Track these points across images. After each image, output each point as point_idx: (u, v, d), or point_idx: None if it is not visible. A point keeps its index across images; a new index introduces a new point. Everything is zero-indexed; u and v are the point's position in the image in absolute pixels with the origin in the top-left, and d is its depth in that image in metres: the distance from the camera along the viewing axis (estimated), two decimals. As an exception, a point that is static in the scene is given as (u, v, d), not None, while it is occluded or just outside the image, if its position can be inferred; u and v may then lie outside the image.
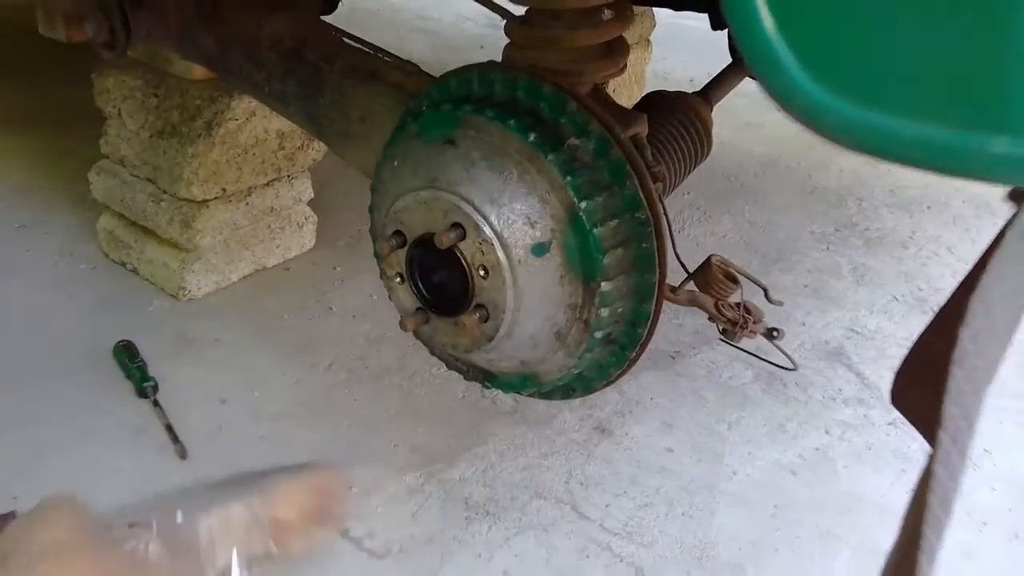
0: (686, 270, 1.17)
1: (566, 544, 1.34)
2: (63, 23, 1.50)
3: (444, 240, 0.98)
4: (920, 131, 0.54)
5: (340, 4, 1.59)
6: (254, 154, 1.78)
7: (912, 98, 0.54)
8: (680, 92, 1.37)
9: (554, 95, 1.00)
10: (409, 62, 1.28)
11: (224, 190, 1.76)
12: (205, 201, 1.74)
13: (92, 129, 1.94)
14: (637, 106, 1.32)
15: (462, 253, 1.00)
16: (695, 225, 2.32)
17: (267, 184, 1.85)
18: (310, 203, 1.99)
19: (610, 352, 1.08)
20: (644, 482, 1.48)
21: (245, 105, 1.71)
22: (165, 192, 1.76)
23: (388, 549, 1.30)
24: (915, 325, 1.97)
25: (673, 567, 1.32)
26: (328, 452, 1.48)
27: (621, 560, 1.32)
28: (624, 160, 0.99)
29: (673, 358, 1.80)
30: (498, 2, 1.20)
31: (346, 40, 1.33)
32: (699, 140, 1.33)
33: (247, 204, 1.82)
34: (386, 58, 1.29)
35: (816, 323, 1.95)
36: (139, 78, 1.75)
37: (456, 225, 0.99)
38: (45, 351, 1.65)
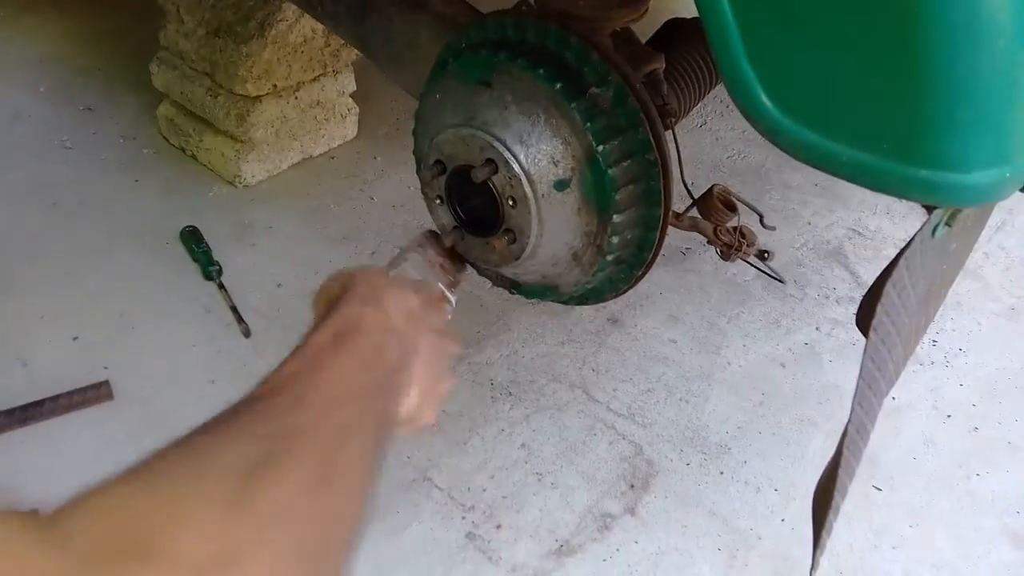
0: (692, 196, 1.33)
1: (576, 423, 1.55)
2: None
3: (479, 175, 1.14)
4: (854, 156, 0.69)
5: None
6: (302, 52, 1.91)
7: (850, 130, 0.69)
8: (696, 19, 1.48)
9: (579, 46, 1.14)
10: (451, -9, 1.40)
11: (275, 86, 1.90)
12: (258, 96, 1.89)
13: (146, 6, 2.07)
14: (657, 33, 1.44)
15: (494, 185, 1.16)
16: (718, 119, 2.43)
17: (314, 79, 1.99)
18: (352, 95, 2.13)
19: (620, 270, 1.25)
20: (648, 370, 1.68)
21: (294, 7, 1.83)
22: (221, 87, 1.90)
23: (424, 422, 1.52)
24: (912, 226, 2.11)
25: (668, 445, 1.53)
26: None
27: (623, 438, 1.54)
28: (638, 108, 1.13)
29: (684, 254, 1.97)
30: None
31: (393, -34, 1.44)
32: (713, 66, 1.45)
33: (296, 98, 1.97)
34: (430, -14, 1.40)
35: (821, 222, 2.10)
36: (196, -22, 1.87)
37: (489, 161, 1.15)
38: (119, 233, 1.84)
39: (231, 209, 1.94)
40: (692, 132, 2.36)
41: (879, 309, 0.72)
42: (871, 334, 0.74)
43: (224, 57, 1.85)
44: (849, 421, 0.78)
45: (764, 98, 0.71)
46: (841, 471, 0.79)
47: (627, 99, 1.13)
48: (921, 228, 0.72)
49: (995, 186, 0.67)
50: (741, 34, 0.70)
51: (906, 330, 0.78)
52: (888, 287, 0.71)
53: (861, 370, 0.76)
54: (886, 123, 0.67)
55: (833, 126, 0.69)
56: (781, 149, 0.73)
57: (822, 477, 0.85)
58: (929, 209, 0.71)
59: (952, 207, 0.71)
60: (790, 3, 0.68)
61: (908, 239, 0.83)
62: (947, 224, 0.72)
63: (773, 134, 0.72)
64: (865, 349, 0.75)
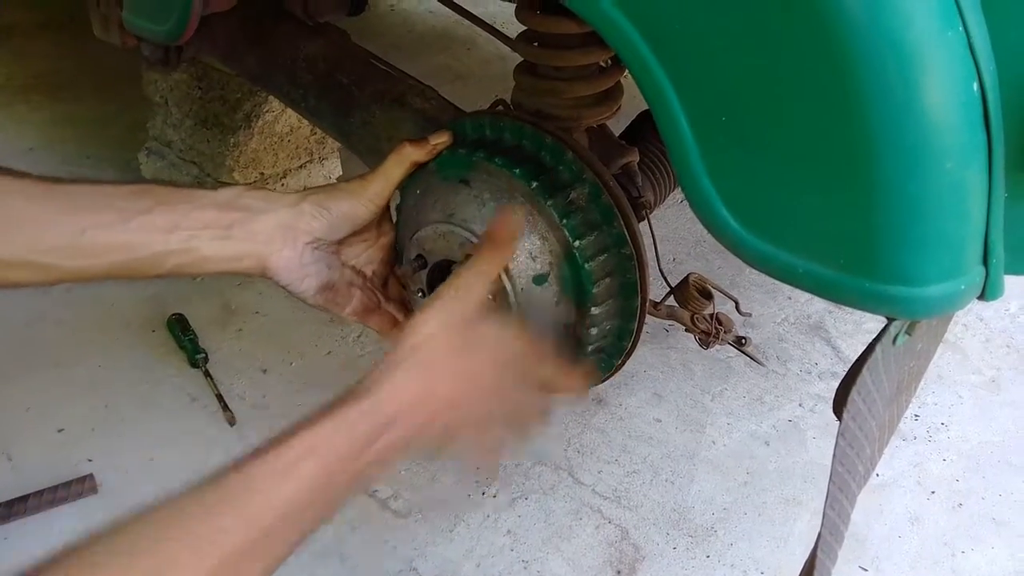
0: (668, 284, 1.35)
1: (562, 507, 1.56)
2: (119, 31, 1.65)
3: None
4: (812, 269, 0.72)
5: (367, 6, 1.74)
6: (289, 141, 1.95)
7: (808, 244, 0.72)
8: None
9: (554, 145, 1.17)
10: (430, 87, 1.44)
11: (262, 174, 1.94)
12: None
13: (133, 90, 2.12)
14: (631, 126, 1.48)
15: (474, 280, 1.18)
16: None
17: (300, 166, 2.03)
18: (338, 179, 2.16)
19: (599, 360, 1.27)
20: (633, 450, 1.68)
21: (280, 98, 1.87)
22: (209, 176, 1.94)
23: (410, 509, 1.52)
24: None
25: (654, 528, 1.54)
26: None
27: (609, 522, 1.54)
28: (612, 204, 1.16)
29: (667, 331, 1.99)
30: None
31: (375, 63, 1.49)
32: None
33: (283, 185, 2.01)
34: (410, 83, 1.45)
35: (801, 297, 2.12)
36: (184, 71, 1.91)
37: (469, 256, 1.17)
38: (106, 321, 1.86)
39: (218, 294, 1.96)
40: (673, 208, 2.40)
41: (845, 416, 0.74)
42: (838, 439, 0.76)
43: (212, 147, 1.89)
44: (823, 524, 0.79)
45: (724, 212, 0.74)
46: (817, 573, 0.80)
47: (601, 196, 1.16)
48: (882, 338, 0.74)
49: (950, 298, 0.69)
50: (700, 153, 0.73)
51: (873, 432, 0.80)
52: (853, 395, 0.73)
53: (832, 475, 0.78)
54: (842, 239, 0.70)
55: (791, 240, 0.72)
56: (742, 260, 0.75)
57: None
58: (890, 318, 0.74)
59: (909, 319, 0.73)
60: (747, 127, 0.71)
61: (876, 334, 0.86)
62: (907, 333, 0.75)
63: (734, 246, 0.75)
64: (834, 454, 0.77)
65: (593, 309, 1.18)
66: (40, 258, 0.85)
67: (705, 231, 0.80)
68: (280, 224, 0.95)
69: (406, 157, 1.11)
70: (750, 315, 1.42)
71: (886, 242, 0.68)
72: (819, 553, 0.78)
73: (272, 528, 0.69)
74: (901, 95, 0.63)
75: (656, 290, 1.29)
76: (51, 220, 0.84)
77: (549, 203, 1.15)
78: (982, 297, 0.72)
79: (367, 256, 1.13)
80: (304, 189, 1.03)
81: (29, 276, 0.86)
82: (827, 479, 0.86)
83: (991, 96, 0.66)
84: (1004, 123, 0.68)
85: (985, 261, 0.71)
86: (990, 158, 0.68)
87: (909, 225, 0.67)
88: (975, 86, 0.66)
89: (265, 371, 1.78)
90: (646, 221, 1.35)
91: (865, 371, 0.73)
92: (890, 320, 0.74)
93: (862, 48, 0.63)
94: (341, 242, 1.06)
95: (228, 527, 0.67)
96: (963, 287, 0.70)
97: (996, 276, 0.71)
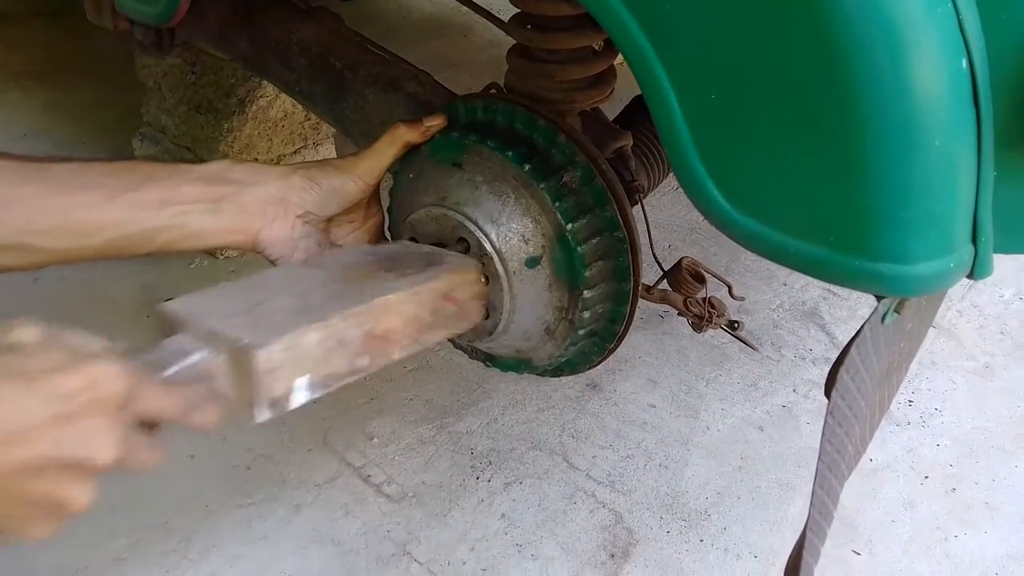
0: (662, 268, 1.35)
1: (556, 491, 1.56)
2: (111, 14, 1.65)
3: (452, 253, 1.16)
4: (802, 248, 0.72)
5: (361, -8, 1.74)
6: (283, 126, 1.95)
7: (797, 223, 0.72)
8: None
9: (547, 128, 1.17)
10: (424, 72, 1.44)
11: (256, 159, 1.94)
12: (239, 170, 1.92)
13: (126, 76, 2.12)
14: (626, 110, 1.48)
15: (467, 263, 1.18)
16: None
17: (295, 152, 2.02)
18: (332, 163, 2.16)
19: (592, 343, 1.27)
20: (628, 435, 1.69)
21: (275, 83, 1.87)
22: (203, 162, 1.93)
23: (404, 494, 1.52)
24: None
25: (648, 513, 1.54)
26: (352, 404, 1.69)
27: (603, 506, 1.54)
28: (605, 188, 1.16)
29: (662, 317, 1.99)
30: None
31: (369, 48, 1.48)
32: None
33: (277, 171, 2.00)
34: (404, 67, 1.44)
35: (796, 283, 2.13)
36: (177, 56, 1.90)
37: (462, 239, 1.17)
38: (100, 307, 1.86)
39: (212, 281, 1.94)
40: (669, 195, 2.40)
41: (834, 394, 0.74)
42: (827, 418, 0.76)
43: (205, 133, 1.89)
44: (811, 504, 0.79)
45: (715, 192, 0.74)
46: (806, 552, 0.80)
47: (594, 179, 1.16)
48: (871, 316, 0.74)
49: (939, 276, 0.69)
50: (690, 132, 0.72)
51: (863, 412, 0.80)
52: (841, 373, 0.74)
53: (820, 454, 0.78)
54: (831, 217, 0.70)
55: (782, 219, 0.72)
56: (732, 239, 0.75)
57: (789, 561, 0.86)
58: (879, 296, 0.74)
59: (898, 297, 0.73)
60: (736, 105, 0.70)
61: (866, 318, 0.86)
62: (896, 311, 0.75)
63: (724, 226, 0.75)
64: (823, 433, 0.77)
65: (586, 292, 1.18)
66: (29, 240, 0.84)
67: (700, 219, 0.80)
68: (270, 197, 0.95)
69: (399, 137, 1.10)
70: (743, 299, 1.42)
71: (875, 220, 0.68)
72: (808, 533, 0.79)
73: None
74: (889, 71, 0.63)
75: (649, 275, 1.30)
76: (39, 202, 0.83)
77: (542, 186, 1.15)
78: (971, 276, 0.72)
79: (354, 237, 1.12)
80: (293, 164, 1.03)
81: (18, 260, 0.86)
82: (818, 461, 0.86)
83: (980, 73, 0.66)
84: (993, 101, 0.68)
85: (974, 239, 0.71)
86: (979, 136, 0.68)
87: (897, 202, 0.67)
88: (964, 63, 0.66)
89: (259, 357, 1.77)
90: (639, 205, 1.35)
91: (854, 350, 0.73)
92: (879, 299, 0.74)
93: (850, 24, 0.63)
94: (329, 221, 1.06)
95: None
96: (952, 265, 0.70)
97: (985, 254, 0.71)
